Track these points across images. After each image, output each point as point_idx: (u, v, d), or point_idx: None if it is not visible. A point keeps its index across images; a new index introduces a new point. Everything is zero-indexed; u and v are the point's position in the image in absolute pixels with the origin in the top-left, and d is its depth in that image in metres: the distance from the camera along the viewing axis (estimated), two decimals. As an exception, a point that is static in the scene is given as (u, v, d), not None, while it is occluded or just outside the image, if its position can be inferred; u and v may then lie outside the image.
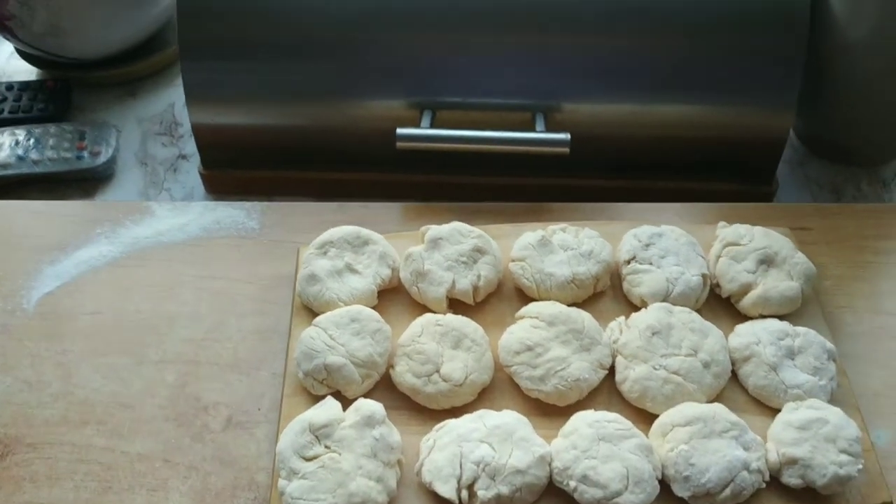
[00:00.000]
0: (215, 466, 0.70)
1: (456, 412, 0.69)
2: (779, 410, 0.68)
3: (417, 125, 0.88)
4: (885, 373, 0.75)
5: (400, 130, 0.85)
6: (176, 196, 0.98)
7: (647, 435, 0.66)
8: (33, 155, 0.97)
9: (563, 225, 0.79)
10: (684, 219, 0.86)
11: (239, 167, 0.96)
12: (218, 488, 0.69)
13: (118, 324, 0.79)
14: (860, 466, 0.64)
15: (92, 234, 0.87)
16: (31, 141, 0.98)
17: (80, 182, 0.99)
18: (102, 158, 0.98)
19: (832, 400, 0.69)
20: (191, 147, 1.03)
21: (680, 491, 0.63)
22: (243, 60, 0.91)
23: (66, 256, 0.85)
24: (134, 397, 0.74)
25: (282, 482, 0.64)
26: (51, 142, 0.99)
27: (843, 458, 0.64)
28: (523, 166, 0.91)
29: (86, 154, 0.98)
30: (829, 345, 0.71)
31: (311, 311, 0.76)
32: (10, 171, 0.96)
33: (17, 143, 0.98)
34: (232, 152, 0.95)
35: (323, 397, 0.69)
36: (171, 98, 1.10)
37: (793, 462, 0.64)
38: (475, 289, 0.75)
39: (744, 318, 0.75)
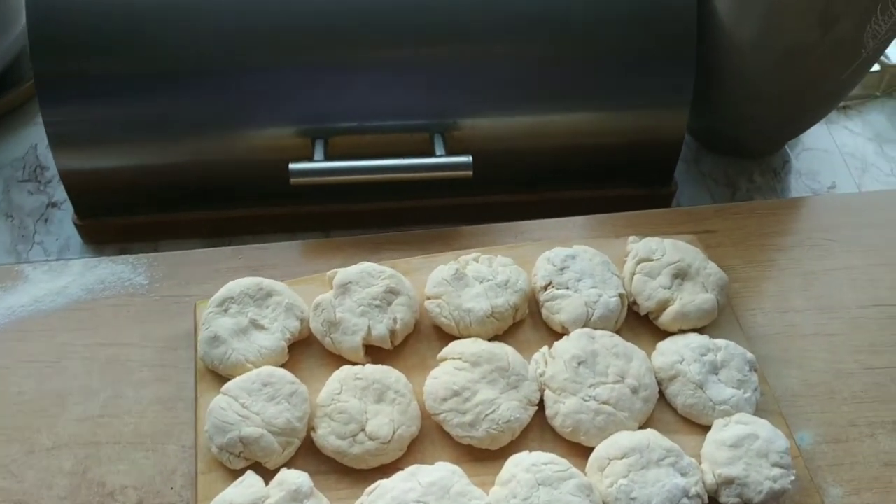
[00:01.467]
0: (131, 559, 0.64)
1: (386, 470, 0.65)
2: (709, 427, 0.68)
3: (310, 155, 0.83)
4: (800, 372, 0.76)
5: (293, 166, 0.80)
6: (50, 250, 0.90)
7: (583, 468, 0.65)
8: None
9: (474, 254, 0.77)
10: (591, 231, 0.85)
11: (118, 213, 0.88)
12: (135, 585, 0.63)
13: (0, 408, 0.72)
14: (792, 478, 0.65)
15: (-45, 307, 0.78)
16: None
17: (-65, 243, 0.89)
18: (-41, 216, 0.89)
19: (758, 410, 0.69)
20: (61, 193, 0.94)
21: (623, 527, 0.62)
22: (111, 94, 0.82)
23: (-73, 334, 0.76)
24: (28, 492, 0.67)
25: (208, 575, 0.59)
26: None
27: (776, 471, 0.64)
28: (425, 188, 0.88)
29: (-61, 212, 0.88)
30: (749, 355, 0.72)
31: (216, 375, 0.70)
32: None
33: None
34: (108, 197, 0.87)
35: (241, 471, 0.64)
36: (33, 139, 1.00)
37: (729, 482, 0.64)
38: (392, 333, 0.71)
39: (663, 333, 0.75)
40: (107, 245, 0.89)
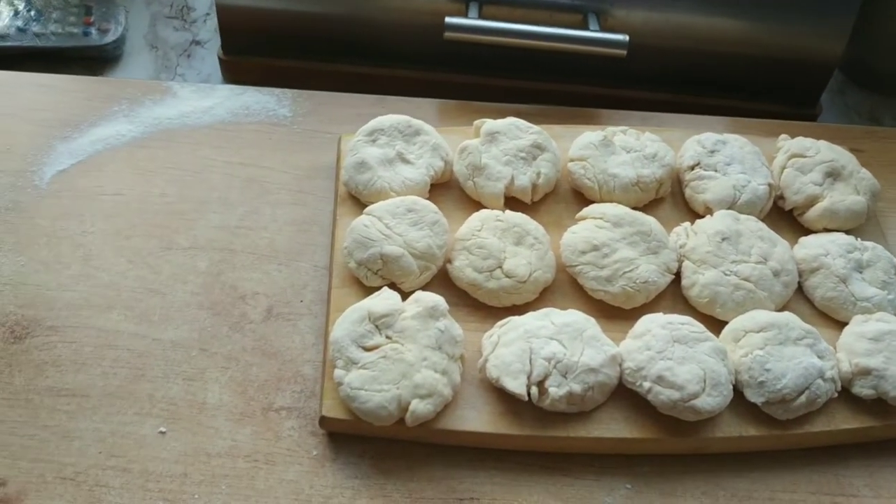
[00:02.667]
0: (256, 357, 0.65)
1: (516, 310, 0.65)
2: (845, 324, 0.67)
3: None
4: (938, 293, 0.74)
5: (449, 19, 0.80)
6: (192, 82, 0.91)
7: (715, 341, 0.64)
8: (35, 27, 0.89)
9: (623, 127, 0.76)
10: (736, 131, 0.83)
11: (263, 54, 0.89)
12: (261, 380, 0.64)
13: (142, 206, 0.73)
14: (933, 379, 0.63)
15: (107, 112, 0.80)
16: (32, 12, 0.90)
17: (86, 61, 0.91)
18: (111, 36, 0.91)
19: (898, 315, 0.68)
20: (205, 33, 0.96)
21: (753, 396, 0.61)
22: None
23: (80, 133, 0.78)
24: (164, 283, 0.69)
25: (338, 372, 0.60)
26: (54, 15, 0.90)
27: (917, 369, 0.63)
28: (572, 71, 0.87)
29: (93, 31, 0.90)
30: (897, 260, 0.70)
31: (357, 202, 0.71)
32: (8, 43, 0.88)
33: (15, 13, 0.90)
34: (257, 37, 0.88)
35: (375, 289, 0.65)
36: (181, -21, 1.02)
37: (866, 373, 0.62)
38: (534, 187, 0.71)
39: (806, 231, 0.73)
40: (246, 85, 0.90)
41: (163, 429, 0.61)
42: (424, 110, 0.82)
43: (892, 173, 0.82)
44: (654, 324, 0.63)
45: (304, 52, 0.89)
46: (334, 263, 0.68)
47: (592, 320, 0.64)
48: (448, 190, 0.74)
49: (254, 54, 0.89)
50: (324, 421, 0.60)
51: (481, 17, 0.83)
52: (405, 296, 0.64)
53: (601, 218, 0.68)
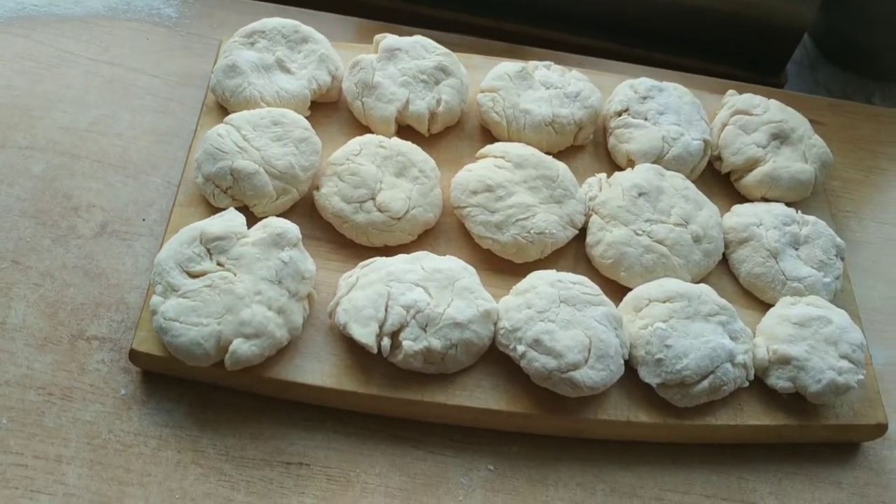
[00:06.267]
0: (77, 277, 0.55)
1: (388, 252, 0.55)
2: (771, 306, 0.57)
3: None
4: (887, 288, 0.65)
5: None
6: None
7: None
8: None
9: (547, 62, 0.66)
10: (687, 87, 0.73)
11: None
12: (76, 303, 0.54)
13: (-19, 96, 0.63)
14: (861, 377, 0.53)
15: (-35, -10, 0.69)
16: None
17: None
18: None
19: (834, 302, 0.58)
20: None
21: (648, 376, 0.52)
22: None
23: (-73, 10, 0.68)
24: (-14, 182, 0.59)
25: (156, 299, 0.50)
26: None
27: (844, 364, 0.53)
28: (511, 7, 0.77)
29: None
30: (839, 240, 0.60)
31: (224, 111, 0.61)
32: None
33: None
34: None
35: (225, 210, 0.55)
36: None
37: (785, 362, 0.53)
38: (432, 115, 0.61)
39: (742, 200, 0.63)
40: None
41: (-59, 345, 0.51)
42: (334, 26, 0.72)
43: (853, 151, 0.72)
44: (541, 280, 0.53)
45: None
46: (184, 179, 0.58)
47: (472, 270, 0.54)
48: (335, 111, 0.64)
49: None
50: (134, 355, 0.51)
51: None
52: (256, 222, 0.54)
53: (502, 157, 0.58)
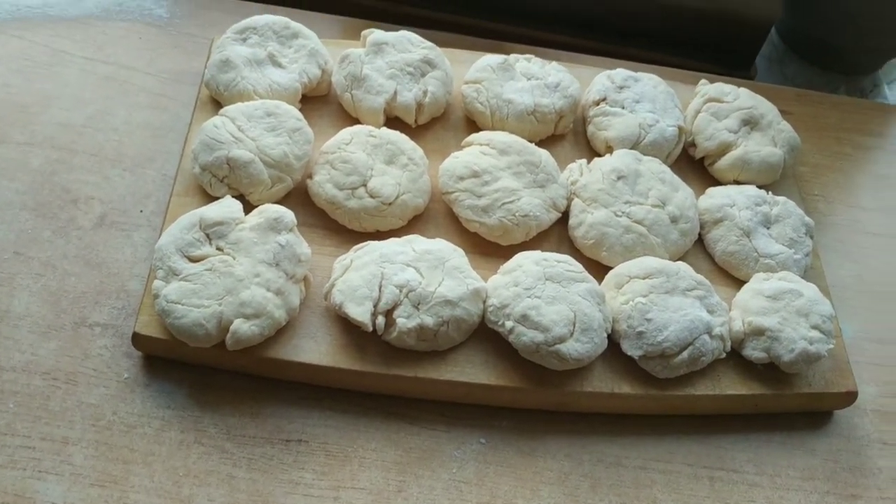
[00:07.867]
0: (78, 267, 0.57)
1: (380, 237, 0.58)
2: (746, 283, 0.60)
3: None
4: (856, 267, 0.68)
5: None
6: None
7: (598, 288, 0.57)
8: None
9: (528, 55, 0.68)
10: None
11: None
12: (78, 291, 0.56)
13: (-22, 94, 0.65)
14: (831, 346, 0.56)
15: (-42, -8, 0.71)
16: None
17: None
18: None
19: (805, 278, 0.61)
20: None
21: (630, 349, 0.54)
22: None
23: (-78, 11, 0.69)
24: (-13, 178, 0.60)
25: (157, 283, 0.52)
26: None
27: (815, 334, 0.56)
28: (492, 5, 0.79)
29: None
30: (808, 219, 0.63)
31: (218, 105, 0.63)
32: None
33: None
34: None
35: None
36: None
37: (759, 333, 0.56)
38: (419, 106, 0.64)
39: (716, 183, 0.66)
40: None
41: (-52, 332, 0.53)
42: (323, 25, 0.74)
43: (820, 139, 0.76)
44: (527, 259, 0.55)
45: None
46: (181, 169, 0.60)
47: (460, 251, 0.56)
48: (325, 104, 0.66)
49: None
50: (137, 339, 0.52)
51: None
52: (252, 210, 0.56)
53: (487, 144, 0.61)
